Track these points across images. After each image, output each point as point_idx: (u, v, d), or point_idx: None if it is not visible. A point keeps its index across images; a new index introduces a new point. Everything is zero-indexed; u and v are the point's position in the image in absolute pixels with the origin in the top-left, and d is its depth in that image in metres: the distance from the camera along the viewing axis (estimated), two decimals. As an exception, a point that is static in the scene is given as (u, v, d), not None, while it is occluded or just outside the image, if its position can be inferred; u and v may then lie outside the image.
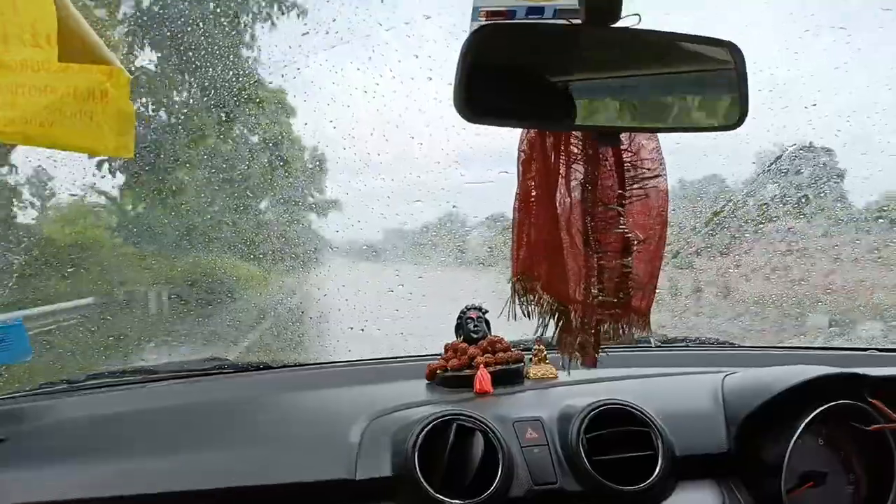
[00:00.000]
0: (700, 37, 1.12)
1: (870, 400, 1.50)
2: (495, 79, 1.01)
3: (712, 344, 2.19)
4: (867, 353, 2.09)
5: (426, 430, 1.45)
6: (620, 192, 1.16)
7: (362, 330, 2.38)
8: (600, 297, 1.17)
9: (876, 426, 1.49)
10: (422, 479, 1.38)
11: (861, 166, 3.21)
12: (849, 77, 3.10)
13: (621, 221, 1.16)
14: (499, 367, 1.79)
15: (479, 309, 1.93)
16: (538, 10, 1.40)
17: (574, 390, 1.70)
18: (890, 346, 2.18)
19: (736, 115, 1.13)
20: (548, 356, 1.87)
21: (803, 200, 3.44)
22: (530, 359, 1.88)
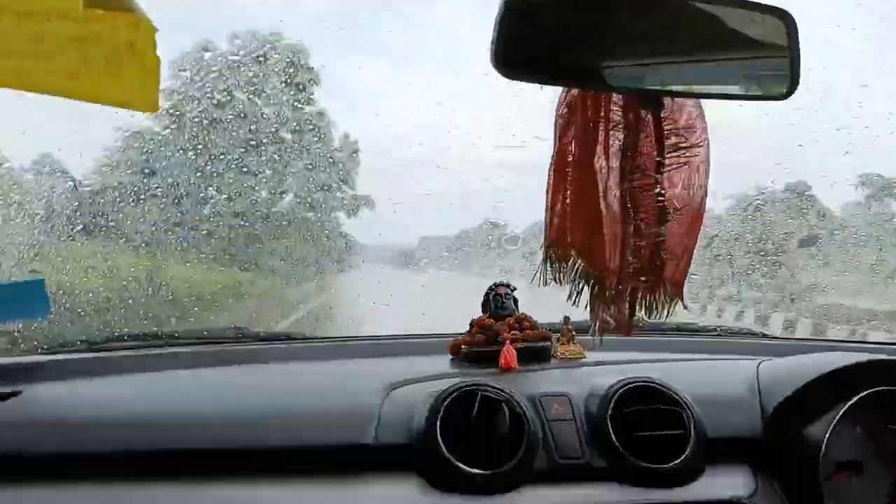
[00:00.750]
0: (751, 2, 1.08)
1: None
2: (536, 34, 0.98)
3: (745, 334, 2.14)
4: None
5: (450, 398, 1.43)
6: (659, 159, 1.13)
7: (387, 305, 2.35)
8: (635, 266, 1.14)
9: None
10: (443, 447, 1.37)
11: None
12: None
13: (659, 190, 1.13)
14: (525, 344, 1.76)
15: (508, 286, 1.90)
16: None
17: (602, 370, 1.67)
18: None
19: (785, 86, 1.09)
20: (576, 337, 1.84)
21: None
22: (558, 339, 1.85)
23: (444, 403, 1.42)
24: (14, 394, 1.49)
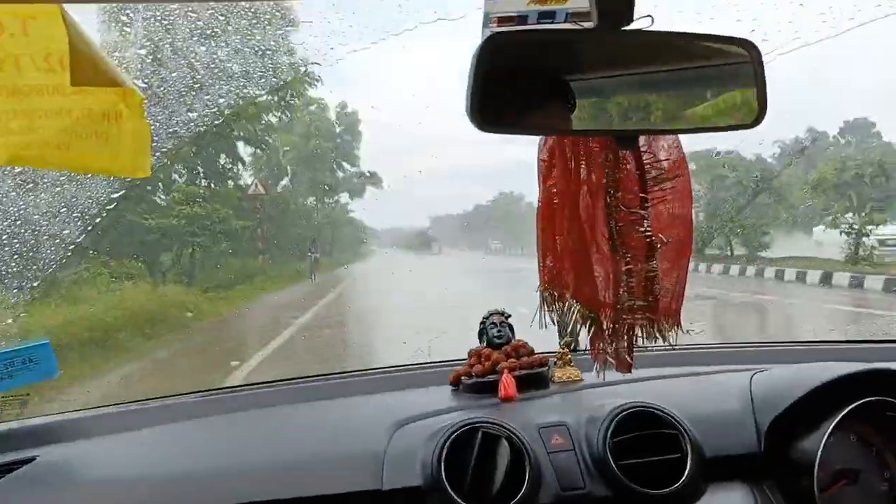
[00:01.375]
0: (715, 35, 1.10)
1: None
2: (508, 87, 0.99)
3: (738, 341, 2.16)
4: (893, 345, 2.05)
5: (452, 438, 1.44)
6: (642, 195, 1.15)
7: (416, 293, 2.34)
8: (630, 302, 1.16)
9: None
10: (449, 489, 1.38)
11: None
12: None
13: (645, 224, 1.15)
14: (523, 371, 1.78)
15: (502, 314, 1.92)
16: (550, 15, 1.40)
17: (599, 392, 1.69)
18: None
19: (754, 114, 1.12)
20: (572, 359, 1.86)
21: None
22: (555, 362, 1.87)
23: (447, 443, 1.43)
24: (29, 460, 1.50)
